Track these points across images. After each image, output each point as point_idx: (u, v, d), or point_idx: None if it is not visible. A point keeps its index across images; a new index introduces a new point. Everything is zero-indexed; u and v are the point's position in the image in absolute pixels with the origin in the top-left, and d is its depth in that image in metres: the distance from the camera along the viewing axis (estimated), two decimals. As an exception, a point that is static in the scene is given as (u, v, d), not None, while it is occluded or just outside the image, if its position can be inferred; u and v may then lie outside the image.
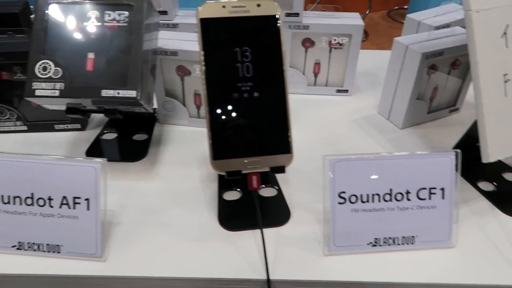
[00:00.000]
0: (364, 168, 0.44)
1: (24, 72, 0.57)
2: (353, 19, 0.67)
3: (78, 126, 0.63)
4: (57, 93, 0.46)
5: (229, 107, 0.43)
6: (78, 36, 0.48)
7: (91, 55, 0.48)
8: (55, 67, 0.47)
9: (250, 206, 0.50)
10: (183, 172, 0.56)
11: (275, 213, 0.50)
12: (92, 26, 0.48)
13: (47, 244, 0.44)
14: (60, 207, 0.43)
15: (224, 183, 0.53)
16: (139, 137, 0.62)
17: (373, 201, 0.44)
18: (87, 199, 0.43)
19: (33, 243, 0.44)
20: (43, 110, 0.61)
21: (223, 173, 0.43)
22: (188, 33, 0.61)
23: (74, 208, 0.43)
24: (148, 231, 0.47)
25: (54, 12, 0.48)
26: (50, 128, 0.63)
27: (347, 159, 0.43)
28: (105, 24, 0.48)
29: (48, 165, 0.42)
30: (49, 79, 0.46)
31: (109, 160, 0.43)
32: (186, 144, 0.62)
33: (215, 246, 0.45)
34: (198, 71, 0.59)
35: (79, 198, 0.43)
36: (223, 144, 0.43)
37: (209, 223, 0.48)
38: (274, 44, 0.43)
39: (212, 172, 0.56)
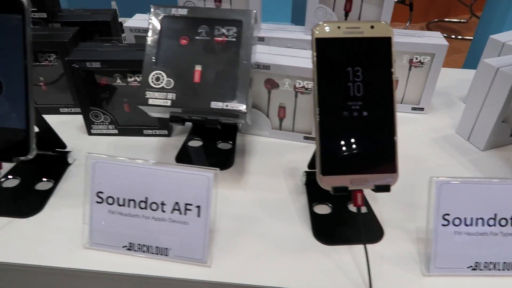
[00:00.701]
0: (470, 192, 0.44)
1: (123, 79, 0.60)
2: (437, 39, 0.68)
3: (166, 132, 0.66)
4: (169, 102, 0.48)
5: (339, 125, 0.44)
6: (188, 49, 0.50)
7: (198, 67, 0.50)
8: (167, 78, 0.49)
9: (342, 221, 0.51)
10: (271, 183, 0.58)
11: (368, 230, 0.50)
12: (202, 40, 0.50)
13: (156, 247, 0.46)
14: (172, 212, 0.45)
15: (314, 197, 0.54)
16: (223, 145, 0.64)
17: (476, 225, 0.44)
18: (198, 206, 0.44)
19: (143, 245, 0.46)
20: (134, 116, 0.64)
21: (329, 189, 0.44)
22: (278, 48, 0.62)
23: (185, 214, 0.45)
24: (245, 240, 0.49)
25: (166, 25, 0.50)
26: (139, 133, 0.65)
27: (454, 182, 0.44)
28: (215, 38, 0.50)
29: (163, 171, 0.45)
30: (162, 89, 0.49)
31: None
32: (271, 155, 0.63)
33: (313, 259, 0.46)
34: (287, 84, 0.61)
35: (190, 205, 0.45)
36: (331, 160, 0.44)
37: (304, 235, 0.50)
38: (385, 65, 0.44)
39: (300, 185, 0.57)
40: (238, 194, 0.56)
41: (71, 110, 0.70)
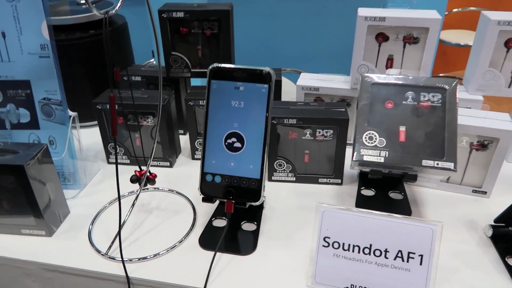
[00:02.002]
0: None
1: (312, 134, 0.68)
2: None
3: (339, 181, 0.72)
4: (382, 159, 0.55)
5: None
6: (396, 111, 0.57)
7: (402, 128, 0.56)
8: (380, 137, 0.56)
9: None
10: (454, 235, 0.61)
11: None
12: (408, 104, 0.57)
13: (377, 290, 0.51)
14: (395, 259, 0.50)
15: (504, 250, 0.57)
16: (395, 195, 0.69)
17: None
18: (420, 255, 0.49)
19: (364, 287, 0.51)
20: (311, 165, 0.71)
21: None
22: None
23: (407, 261, 0.50)
24: (452, 289, 0.53)
25: (375, 91, 0.58)
26: (314, 181, 0.73)
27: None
28: (421, 103, 0.56)
29: (388, 222, 0.50)
30: (375, 147, 0.55)
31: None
32: (443, 206, 0.67)
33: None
34: (464, 142, 0.66)
35: (413, 253, 0.50)
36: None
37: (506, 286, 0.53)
38: None
39: (484, 238, 0.60)
40: (427, 244, 0.60)
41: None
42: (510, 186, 0.71)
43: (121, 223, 0.57)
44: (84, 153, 0.75)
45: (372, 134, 0.56)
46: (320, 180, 0.72)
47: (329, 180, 0.72)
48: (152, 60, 1.33)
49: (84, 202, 0.71)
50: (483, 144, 0.65)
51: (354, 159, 0.55)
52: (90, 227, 0.64)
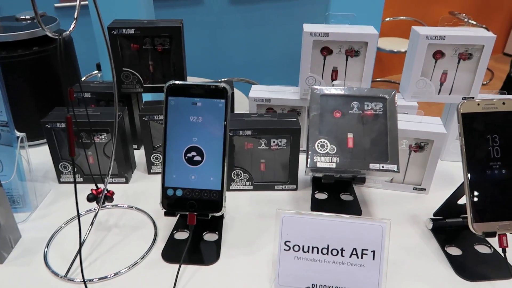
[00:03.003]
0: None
1: (267, 144, 0.71)
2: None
3: (294, 187, 0.76)
4: (334, 165, 0.59)
5: (485, 181, 0.55)
6: (343, 120, 0.62)
7: (350, 135, 0.61)
8: (331, 144, 0.60)
9: (474, 261, 0.61)
10: (401, 230, 0.67)
11: (497, 267, 0.59)
12: (354, 113, 0.62)
13: (336, 287, 0.55)
14: (350, 256, 0.54)
15: (443, 240, 0.64)
16: (345, 197, 0.74)
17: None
18: (373, 251, 0.54)
19: (325, 285, 0.55)
20: (267, 173, 0.74)
21: (480, 234, 0.54)
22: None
23: (362, 258, 0.54)
24: (404, 281, 0.58)
25: (324, 101, 0.62)
26: (271, 188, 0.76)
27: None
28: (365, 112, 0.62)
29: (343, 223, 0.54)
30: (327, 154, 0.60)
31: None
32: (389, 205, 0.73)
33: (465, 295, 0.55)
34: (403, 145, 0.72)
35: (366, 250, 0.54)
36: (481, 210, 0.54)
37: (448, 273, 0.59)
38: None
39: (425, 230, 0.67)
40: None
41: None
42: (445, 182, 0.79)
43: (81, 242, 0.56)
44: (33, 174, 0.73)
45: (324, 142, 0.60)
46: (276, 187, 0.76)
47: (285, 187, 0.76)
48: (96, 72, 1.30)
49: (36, 225, 0.68)
50: (420, 146, 0.71)
51: (308, 166, 0.59)
52: (46, 250, 0.62)
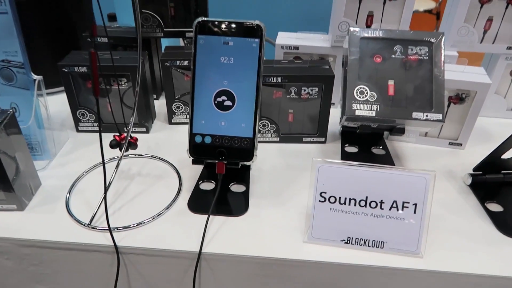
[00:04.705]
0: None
1: (297, 92, 0.67)
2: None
3: (322, 139, 0.72)
4: (373, 113, 0.55)
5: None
6: (384, 65, 0.57)
7: (391, 82, 0.57)
8: (370, 91, 0.56)
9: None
10: (438, 186, 0.64)
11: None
12: (397, 58, 0.57)
13: (373, 240, 0.52)
14: (390, 209, 0.51)
15: (482, 196, 0.60)
16: (377, 151, 0.70)
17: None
18: (414, 204, 0.51)
19: (361, 239, 0.52)
20: (295, 125, 0.71)
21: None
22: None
23: (402, 210, 0.51)
24: (442, 234, 0.55)
25: (364, 45, 0.57)
26: (299, 140, 0.72)
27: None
28: (408, 57, 0.57)
29: (383, 174, 0.51)
30: (366, 102, 0.55)
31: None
32: (423, 160, 0.69)
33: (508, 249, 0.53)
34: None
35: (407, 203, 0.51)
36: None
37: (489, 229, 0.56)
38: None
39: (463, 186, 0.63)
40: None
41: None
42: (482, 137, 0.75)
43: (106, 191, 0.54)
44: (51, 121, 0.70)
45: (363, 88, 0.56)
46: (304, 139, 0.72)
47: (313, 139, 0.72)
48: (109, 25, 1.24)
49: (56, 173, 0.66)
50: (461, 98, 0.67)
51: (346, 114, 0.55)
52: (67, 196, 0.60)
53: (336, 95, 0.76)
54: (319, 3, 1.95)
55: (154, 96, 0.86)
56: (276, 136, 0.71)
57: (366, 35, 0.57)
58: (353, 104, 0.55)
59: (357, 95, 0.56)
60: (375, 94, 0.55)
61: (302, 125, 0.71)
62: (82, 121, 0.74)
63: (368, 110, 0.55)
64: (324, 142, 0.73)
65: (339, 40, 0.74)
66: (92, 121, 0.74)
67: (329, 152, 0.71)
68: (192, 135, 0.55)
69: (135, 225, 0.55)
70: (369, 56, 0.57)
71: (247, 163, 0.54)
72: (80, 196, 0.61)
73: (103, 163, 0.52)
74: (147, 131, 0.76)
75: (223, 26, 0.51)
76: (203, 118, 0.54)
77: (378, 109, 0.55)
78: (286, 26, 0.84)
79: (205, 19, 0.52)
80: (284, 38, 0.78)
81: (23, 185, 0.59)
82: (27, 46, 0.61)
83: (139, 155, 0.69)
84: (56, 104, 0.81)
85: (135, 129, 0.75)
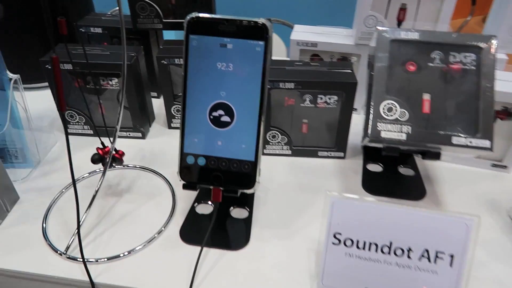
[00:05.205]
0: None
1: (312, 100, 0.57)
2: None
3: (341, 154, 0.62)
4: (404, 136, 0.45)
5: None
6: (418, 75, 0.46)
7: (426, 97, 0.46)
8: (401, 108, 0.45)
9: None
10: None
11: None
12: (435, 67, 0.46)
13: (397, 294, 0.43)
14: (419, 259, 0.41)
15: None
16: (404, 171, 0.60)
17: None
18: (451, 255, 0.41)
19: (382, 291, 0.43)
20: (310, 137, 0.61)
21: None
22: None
23: (435, 262, 0.41)
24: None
25: (395, 49, 0.46)
26: (313, 154, 0.62)
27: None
28: (450, 65, 0.46)
29: (413, 215, 0.41)
30: (395, 121, 0.45)
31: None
32: (462, 184, 0.59)
33: None
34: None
35: (442, 253, 0.41)
36: None
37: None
38: None
39: (508, 221, 0.53)
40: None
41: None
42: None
43: (80, 220, 0.46)
44: (35, 123, 0.62)
45: (392, 104, 0.45)
46: (319, 153, 0.62)
47: (331, 154, 0.62)
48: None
49: (38, 184, 0.59)
50: (509, 112, 0.55)
51: (369, 135, 0.45)
52: (45, 218, 0.53)
53: (360, 99, 0.65)
54: (342, -8, 1.80)
55: (155, 94, 0.78)
56: (287, 149, 0.62)
57: (397, 37, 0.46)
58: (379, 124, 0.45)
59: (384, 113, 0.45)
60: (406, 112, 0.45)
61: (318, 137, 0.61)
62: (71, 123, 0.66)
63: (398, 132, 0.45)
64: (343, 157, 0.63)
65: (365, 37, 0.63)
66: (82, 123, 0.66)
67: (348, 171, 0.61)
68: (183, 155, 0.46)
69: (118, 256, 0.47)
70: (400, 64, 0.46)
71: (247, 191, 0.45)
72: (60, 216, 0.53)
73: (74, 187, 0.44)
74: (143, 137, 0.67)
75: (221, 24, 0.42)
76: (196, 135, 0.45)
77: (409, 132, 0.45)
78: (304, 18, 0.74)
79: (199, 15, 0.42)
80: (300, 33, 0.68)
81: (-4, 202, 0.52)
82: (18, 39, 0.54)
83: (126, 166, 0.61)
84: (48, 100, 0.73)
85: (129, 134, 0.67)
